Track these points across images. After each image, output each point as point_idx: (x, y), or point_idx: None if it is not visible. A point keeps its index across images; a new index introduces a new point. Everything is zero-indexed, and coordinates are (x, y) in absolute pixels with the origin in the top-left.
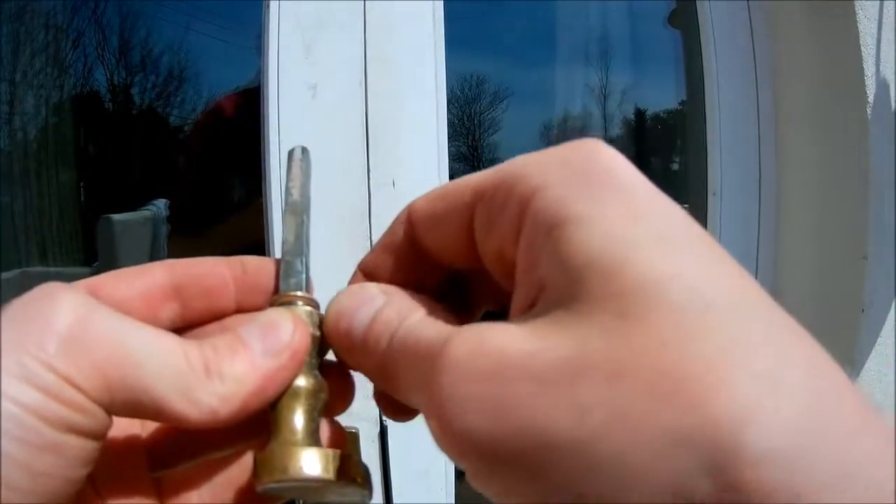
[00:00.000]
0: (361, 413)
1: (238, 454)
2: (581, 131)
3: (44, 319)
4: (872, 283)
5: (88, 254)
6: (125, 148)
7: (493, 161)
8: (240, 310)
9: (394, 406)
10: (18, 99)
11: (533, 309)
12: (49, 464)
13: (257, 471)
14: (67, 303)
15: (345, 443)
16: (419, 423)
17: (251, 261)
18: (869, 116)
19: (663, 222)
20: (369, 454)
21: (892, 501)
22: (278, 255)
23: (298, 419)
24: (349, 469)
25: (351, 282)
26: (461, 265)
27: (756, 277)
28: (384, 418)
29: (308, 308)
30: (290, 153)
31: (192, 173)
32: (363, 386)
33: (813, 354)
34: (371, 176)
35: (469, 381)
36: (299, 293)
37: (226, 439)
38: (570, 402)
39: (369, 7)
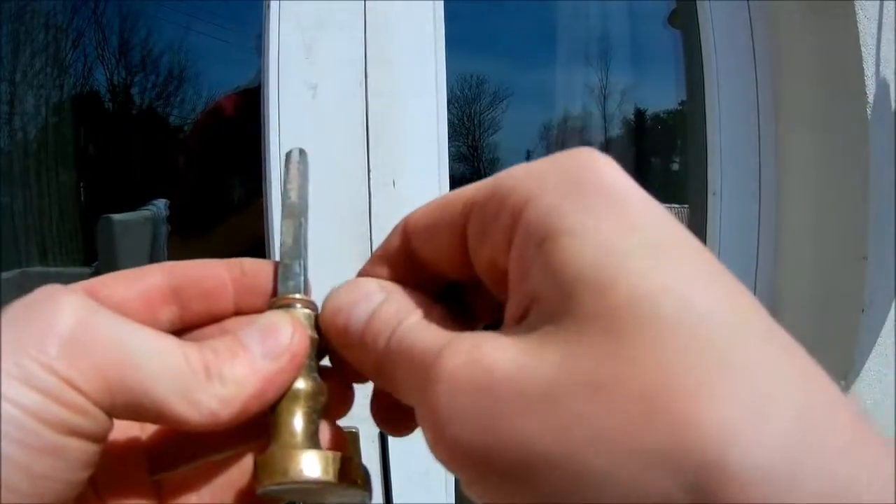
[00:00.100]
0: (361, 413)
1: (238, 456)
2: (581, 131)
3: (45, 321)
4: (872, 284)
5: (88, 254)
6: (125, 148)
7: (492, 161)
8: (238, 312)
9: (391, 421)
10: (18, 99)
11: (525, 320)
12: (49, 466)
13: (257, 473)
14: (69, 305)
15: (345, 445)
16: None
17: (250, 263)
18: (869, 116)
19: (657, 233)
20: (369, 454)
21: None
22: (278, 256)
23: (298, 422)
24: (349, 471)
25: None
26: (456, 276)
27: (756, 278)
28: None
29: (306, 311)
30: (288, 155)
31: (191, 173)
32: (363, 386)
33: (806, 370)
34: (371, 176)
35: (461, 393)
36: (298, 296)
37: (226, 442)
38: (556, 419)
39: (369, 7)
